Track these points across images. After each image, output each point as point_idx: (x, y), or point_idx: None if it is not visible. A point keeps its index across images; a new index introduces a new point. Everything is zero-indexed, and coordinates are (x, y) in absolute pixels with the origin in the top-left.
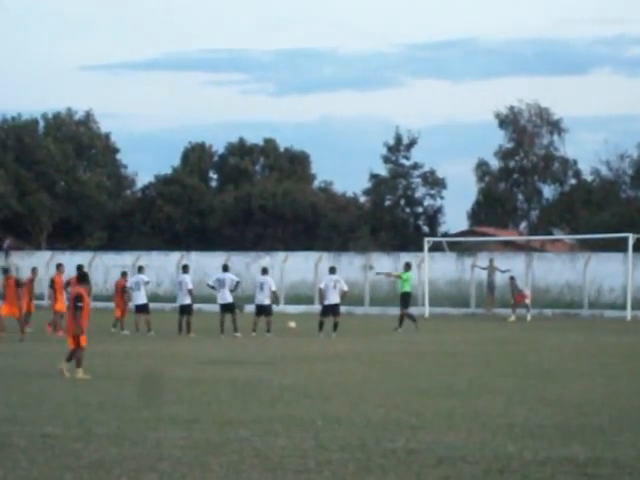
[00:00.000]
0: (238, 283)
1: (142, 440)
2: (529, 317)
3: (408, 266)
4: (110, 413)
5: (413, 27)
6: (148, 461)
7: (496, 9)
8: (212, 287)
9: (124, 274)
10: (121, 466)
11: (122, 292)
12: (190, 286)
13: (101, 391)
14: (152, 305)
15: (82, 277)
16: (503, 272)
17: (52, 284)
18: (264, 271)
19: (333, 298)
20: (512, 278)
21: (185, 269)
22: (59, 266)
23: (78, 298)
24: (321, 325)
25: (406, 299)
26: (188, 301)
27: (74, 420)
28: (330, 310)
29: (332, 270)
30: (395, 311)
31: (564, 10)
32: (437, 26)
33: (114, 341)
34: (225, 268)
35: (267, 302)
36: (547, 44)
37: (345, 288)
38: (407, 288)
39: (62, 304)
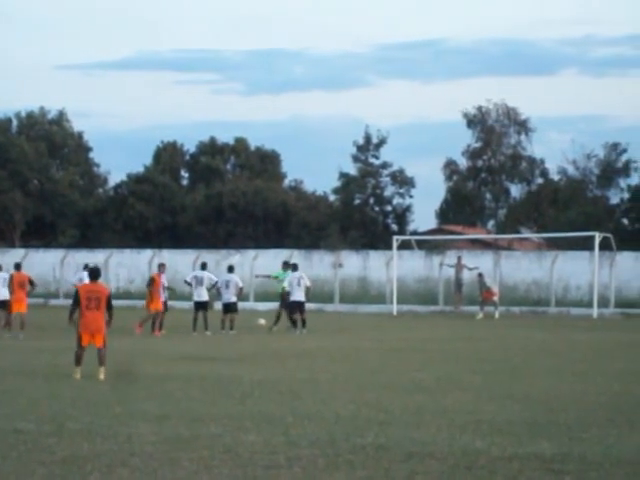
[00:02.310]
0: (216, 283)
1: (114, 436)
2: (497, 314)
3: (286, 265)
4: (82, 409)
5: (383, 28)
6: (120, 456)
7: (465, 10)
8: (189, 284)
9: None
10: (93, 461)
11: None
12: (165, 284)
13: (73, 387)
14: (126, 302)
15: (97, 274)
16: (471, 269)
17: (151, 282)
18: (230, 269)
19: (299, 295)
20: (480, 275)
21: (160, 268)
22: (161, 266)
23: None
24: (294, 323)
25: (286, 298)
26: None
27: (47, 416)
28: (297, 307)
29: (294, 267)
30: (364, 309)
31: (532, 11)
32: (407, 27)
33: None
34: (203, 266)
35: (233, 300)
36: (515, 45)
37: (308, 283)
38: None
39: (159, 303)
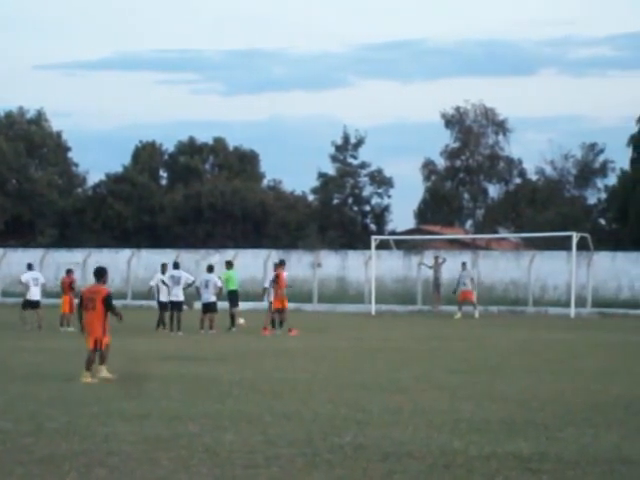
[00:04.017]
0: (193, 282)
1: (92, 435)
2: (477, 314)
3: (229, 264)
4: (60, 408)
5: (363, 28)
6: (98, 456)
7: (445, 11)
8: (165, 284)
9: (69, 271)
10: (71, 461)
11: (69, 289)
12: (153, 283)
13: (51, 387)
14: None
15: (99, 274)
16: (444, 261)
17: (275, 280)
18: (209, 269)
19: (209, 297)
20: (464, 264)
21: (163, 268)
22: (282, 262)
23: (110, 297)
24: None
25: (232, 297)
26: (162, 299)
27: (24, 415)
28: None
29: (210, 269)
30: (342, 308)
31: (512, 12)
32: (386, 27)
33: (63, 337)
34: (176, 265)
35: (213, 299)
36: (495, 45)
37: (219, 284)
38: (231, 286)
39: (278, 302)
